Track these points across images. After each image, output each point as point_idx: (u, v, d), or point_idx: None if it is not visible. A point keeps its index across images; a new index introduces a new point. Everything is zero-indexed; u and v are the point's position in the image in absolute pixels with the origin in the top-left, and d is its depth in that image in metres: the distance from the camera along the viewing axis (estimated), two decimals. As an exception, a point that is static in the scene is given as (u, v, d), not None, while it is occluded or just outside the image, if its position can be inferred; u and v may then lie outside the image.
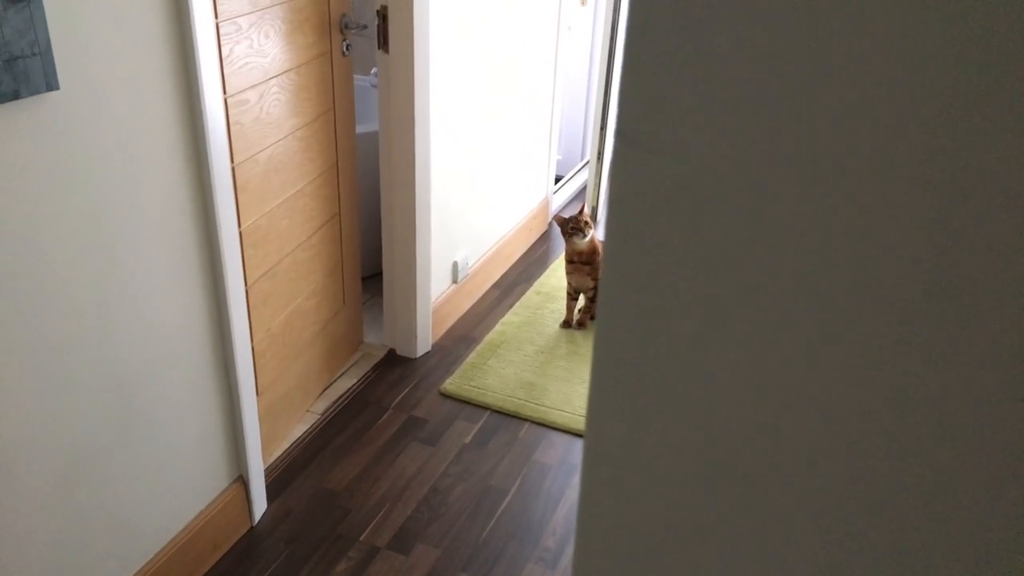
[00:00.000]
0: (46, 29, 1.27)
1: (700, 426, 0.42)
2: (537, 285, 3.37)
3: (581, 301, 3.11)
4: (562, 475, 2.37)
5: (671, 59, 0.35)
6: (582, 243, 2.97)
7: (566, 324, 3.08)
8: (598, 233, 3.68)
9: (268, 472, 2.32)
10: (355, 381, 2.74)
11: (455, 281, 3.07)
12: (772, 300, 0.38)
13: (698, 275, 0.39)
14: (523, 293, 3.32)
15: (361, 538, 2.12)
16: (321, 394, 2.66)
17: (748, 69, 0.34)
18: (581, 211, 3.00)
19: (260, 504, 2.16)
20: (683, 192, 0.38)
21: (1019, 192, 0.33)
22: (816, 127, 0.34)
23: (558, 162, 4.43)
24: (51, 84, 1.31)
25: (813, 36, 0.33)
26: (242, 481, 2.08)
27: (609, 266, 0.40)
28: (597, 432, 0.43)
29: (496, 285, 3.39)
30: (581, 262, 3.00)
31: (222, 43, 1.84)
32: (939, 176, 0.34)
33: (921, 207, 0.35)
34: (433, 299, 2.92)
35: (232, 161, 1.95)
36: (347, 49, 2.44)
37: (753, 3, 0.33)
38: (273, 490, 2.26)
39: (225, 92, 1.88)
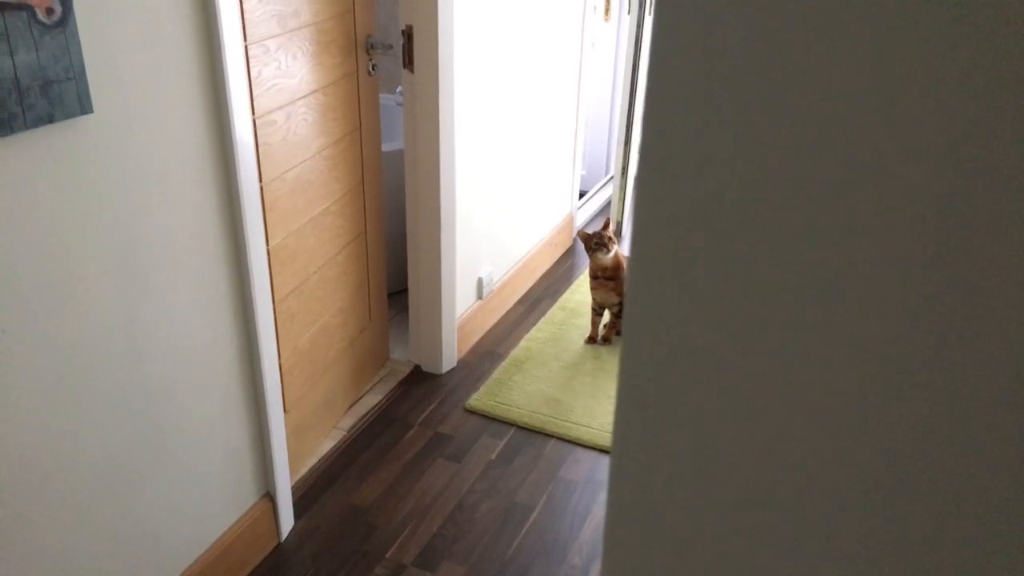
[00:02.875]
0: (80, 54, 1.30)
1: (727, 445, 0.42)
2: (562, 301, 3.37)
3: (606, 316, 3.10)
4: (588, 492, 2.36)
5: (692, 87, 0.35)
6: (606, 258, 2.97)
7: (591, 340, 3.08)
8: (622, 249, 3.68)
9: (295, 489, 2.33)
10: (381, 397, 2.75)
11: (480, 297, 3.08)
12: (795, 316, 0.38)
13: (721, 295, 0.39)
14: (548, 309, 3.31)
15: (387, 555, 2.12)
16: (348, 410, 2.68)
17: (767, 95, 0.34)
18: (605, 226, 3.00)
19: (287, 521, 2.17)
20: (704, 213, 0.38)
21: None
22: (834, 147, 0.34)
23: (582, 177, 4.43)
24: (85, 108, 1.34)
25: (832, 63, 0.33)
26: (269, 498, 2.09)
27: (634, 287, 0.41)
28: (623, 449, 0.43)
29: (521, 301, 3.39)
30: (605, 277, 3.00)
31: (251, 65, 1.87)
32: (955, 188, 0.34)
33: (938, 216, 0.34)
34: (458, 315, 2.92)
35: (260, 181, 1.98)
36: (373, 69, 2.47)
37: (770, 34, 0.34)
38: (300, 507, 2.27)
39: (254, 113, 1.91)
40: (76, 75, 1.30)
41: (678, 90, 0.35)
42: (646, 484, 0.43)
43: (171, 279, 1.63)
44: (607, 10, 4.28)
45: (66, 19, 1.27)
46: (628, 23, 3.74)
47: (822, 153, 0.35)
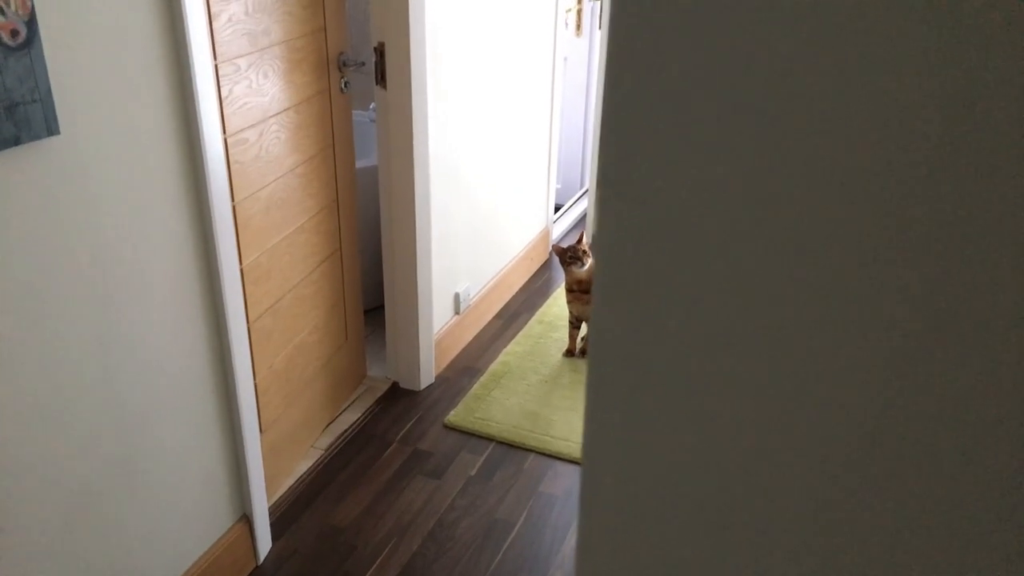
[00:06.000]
0: (46, 75, 1.29)
1: (695, 465, 0.42)
2: (539, 314, 3.37)
3: (584, 329, 3.10)
4: (569, 506, 2.35)
5: (647, 112, 0.35)
6: (581, 272, 2.98)
7: (569, 353, 3.08)
8: (599, 261, 3.68)
9: (272, 510, 2.30)
10: (359, 415, 2.73)
11: (457, 312, 3.07)
12: (762, 335, 0.38)
13: (683, 317, 0.39)
14: (525, 323, 3.31)
15: (368, 575, 2.10)
16: (325, 429, 2.65)
17: (720, 121, 0.35)
18: (579, 240, 3.01)
19: (265, 543, 2.14)
20: (662, 236, 0.38)
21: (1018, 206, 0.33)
22: (803, 165, 0.35)
23: (557, 191, 4.45)
24: (52, 129, 1.32)
25: (785, 88, 0.34)
26: (246, 520, 2.06)
27: (598, 310, 0.41)
28: (594, 473, 0.43)
29: (498, 315, 3.39)
30: (581, 291, 3.00)
31: (221, 84, 1.86)
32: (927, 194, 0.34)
33: (905, 230, 0.35)
34: (435, 331, 2.91)
35: (233, 200, 1.96)
36: (345, 86, 2.47)
37: (723, 61, 0.34)
38: (278, 528, 2.24)
39: (225, 132, 1.90)
40: (42, 97, 1.29)
41: (636, 108, 0.35)
42: (617, 508, 0.43)
43: (142, 300, 1.61)
44: (579, 25, 4.31)
45: (31, 41, 1.26)
46: (600, 36, 3.77)
47: (790, 172, 0.35)
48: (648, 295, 0.39)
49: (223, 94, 1.88)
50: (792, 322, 0.37)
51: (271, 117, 2.10)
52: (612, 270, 0.38)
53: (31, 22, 1.25)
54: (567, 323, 3.15)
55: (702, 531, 0.42)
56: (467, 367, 3.02)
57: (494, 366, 3.00)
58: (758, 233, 0.36)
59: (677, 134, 0.35)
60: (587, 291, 3.00)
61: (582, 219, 4.41)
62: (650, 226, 0.37)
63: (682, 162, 0.36)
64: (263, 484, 2.09)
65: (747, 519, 0.41)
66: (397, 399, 2.83)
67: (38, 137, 1.30)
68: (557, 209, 4.31)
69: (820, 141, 0.35)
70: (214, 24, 1.81)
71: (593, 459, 0.42)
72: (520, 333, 3.23)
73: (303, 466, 2.49)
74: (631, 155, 0.36)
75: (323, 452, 2.55)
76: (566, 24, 4.06)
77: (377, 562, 2.14)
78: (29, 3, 1.24)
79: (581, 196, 4.56)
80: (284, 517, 2.29)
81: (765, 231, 0.36)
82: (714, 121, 0.35)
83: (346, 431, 2.65)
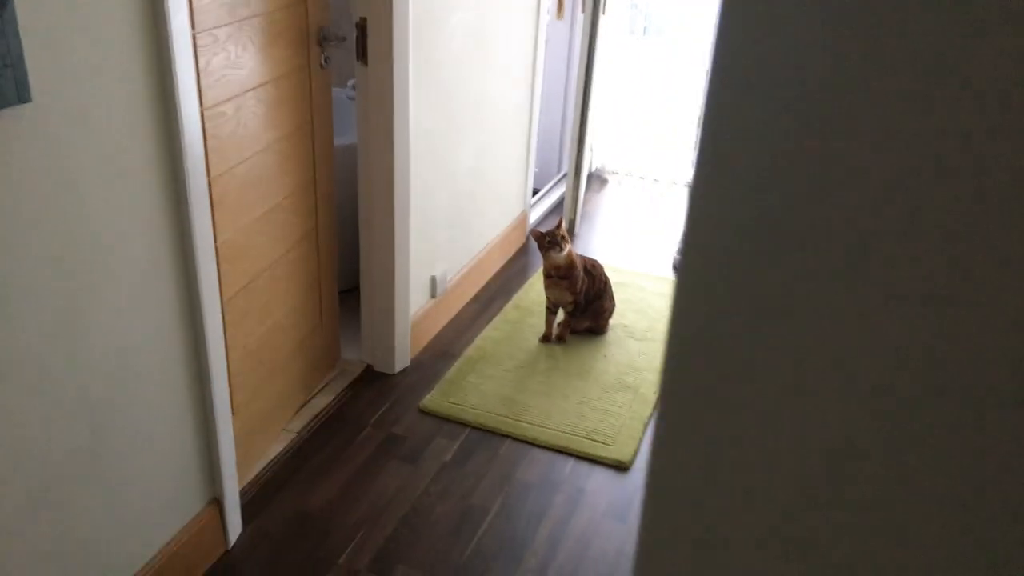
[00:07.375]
0: (19, 40, 1.23)
1: (770, 495, 0.40)
2: (516, 299, 3.35)
3: (560, 315, 3.09)
4: (544, 493, 2.34)
5: (758, 91, 0.33)
6: (559, 257, 2.95)
7: (545, 339, 3.06)
8: (576, 247, 3.67)
9: (243, 493, 2.26)
10: (332, 398, 2.69)
11: (433, 296, 3.04)
12: (859, 334, 0.36)
13: (779, 306, 0.36)
14: (502, 307, 3.29)
15: (340, 561, 2.07)
16: (297, 412, 2.61)
17: (839, 99, 0.32)
18: (558, 225, 2.99)
19: (235, 527, 2.10)
20: (766, 223, 0.35)
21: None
22: (913, 158, 0.32)
23: (534, 175, 4.41)
24: (23, 97, 1.26)
25: (902, 80, 0.31)
26: (217, 503, 2.02)
27: (680, 293, 0.38)
28: (662, 472, 0.41)
29: (475, 299, 3.36)
30: (559, 276, 2.98)
31: (199, 55, 1.80)
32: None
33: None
34: (411, 314, 2.88)
35: (208, 175, 1.90)
36: (326, 62, 2.41)
37: (839, 37, 0.31)
38: (249, 512, 2.20)
39: (202, 105, 1.84)
40: (14, 62, 1.23)
41: (745, 92, 0.33)
42: (682, 513, 0.41)
43: (113, 275, 1.56)
44: (560, 8, 4.26)
45: (4, 4, 1.19)
46: (581, 20, 3.73)
47: (901, 165, 0.32)
48: (741, 286, 0.36)
49: (200, 65, 1.81)
50: (900, 326, 0.35)
51: (249, 91, 2.04)
52: (702, 257, 0.36)
53: (2, -18, 1.19)
54: (544, 309, 3.13)
55: (778, 553, 0.40)
56: (443, 351, 2.99)
57: (470, 351, 2.97)
58: (864, 232, 0.34)
59: (789, 115, 0.33)
60: (565, 277, 2.98)
61: (559, 204, 4.39)
62: (750, 215, 0.35)
63: (790, 149, 0.33)
64: (234, 467, 2.05)
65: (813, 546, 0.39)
66: (371, 382, 2.79)
67: (9, 104, 1.24)
68: (534, 194, 4.28)
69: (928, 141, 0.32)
70: (193, -8, 1.74)
71: (662, 467, 0.40)
72: (496, 318, 3.20)
73: (275, 449, 2.44)
74: (736, 138, 0.33)
75: (295, 435, 2.51)
76: (548, 10, 4.02)
77: (350, 547, 2.11)
78: (0, -38, 1.18)
79: (558, 180, 4.54)
80: (255, 501, 2.25)
81: (875, 232, 0.34)
82: (829, 107, 0.32)
83: (319, 414, 2.61)
